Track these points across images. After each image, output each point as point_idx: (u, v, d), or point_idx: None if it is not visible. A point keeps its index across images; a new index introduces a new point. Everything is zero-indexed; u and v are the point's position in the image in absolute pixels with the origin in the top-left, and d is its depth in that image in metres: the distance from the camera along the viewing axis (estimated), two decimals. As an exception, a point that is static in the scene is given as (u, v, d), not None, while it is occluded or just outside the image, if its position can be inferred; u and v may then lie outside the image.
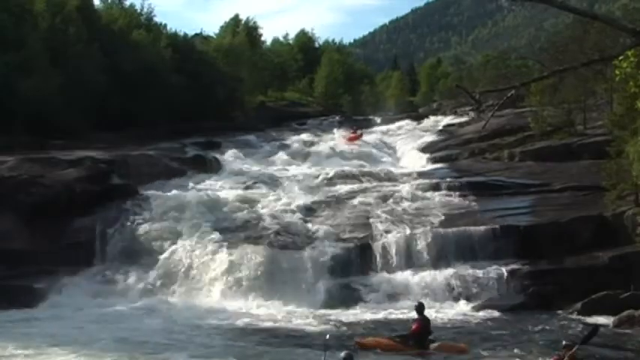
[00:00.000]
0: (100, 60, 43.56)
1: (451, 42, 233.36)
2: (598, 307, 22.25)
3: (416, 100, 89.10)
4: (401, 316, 22.47)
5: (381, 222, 27.32)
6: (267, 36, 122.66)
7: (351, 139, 47.32)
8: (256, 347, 18.43)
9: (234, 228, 27.73)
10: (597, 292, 22.65)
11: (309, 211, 28.99)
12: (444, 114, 60.39)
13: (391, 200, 29.70)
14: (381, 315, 22.71)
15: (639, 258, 23.86)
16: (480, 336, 19.84)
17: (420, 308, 17.74)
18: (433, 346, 17.57)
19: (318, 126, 55.80)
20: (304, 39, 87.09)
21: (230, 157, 40.40)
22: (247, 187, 32.48)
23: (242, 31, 72.19)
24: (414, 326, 17.43)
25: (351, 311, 23.13)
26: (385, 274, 25.22)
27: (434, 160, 39.38)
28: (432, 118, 56.71)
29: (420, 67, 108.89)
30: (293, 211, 28.85)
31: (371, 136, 49.20)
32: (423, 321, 17.48)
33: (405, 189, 30.74)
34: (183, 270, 26.02)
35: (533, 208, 28.15)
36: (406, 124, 54.80)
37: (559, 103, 39.04)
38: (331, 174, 34.54)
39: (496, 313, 22.79)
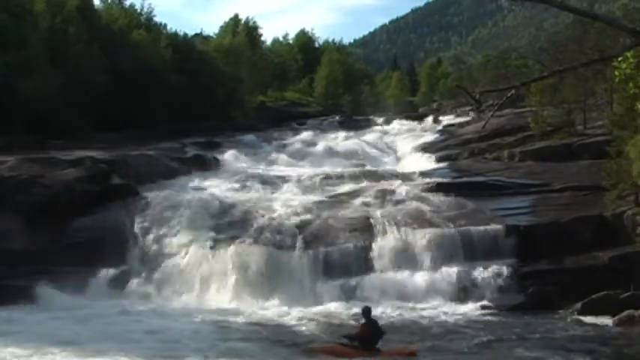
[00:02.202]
0: (100, 60, 43.62)
1: (451, 42, 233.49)
2: (598, 307, 22.23)
3: (416, 100, 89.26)
4: (401, 316, 22.50)
5: (380, 222, 27.29)
6: (267, 36, 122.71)
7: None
8: (254, 347, 18.43)
9: (234, 228, 27.70)
10: (597, 292, 22.61)
11: (308, 210, 28.96)
12: (444, 114, 60.44)
13: (391, 200, 29.67)
14: (380, 315, 22.68)
15: (639, 258, 23.84)
16: (479, 336, 19.82)
17: (366, 312, 17.34)
18: (382, 349, 17.20)
19: (318, 126, 55.82)
20: (304, 39, 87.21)
21: (230, 157, 40.44)
22: (247, 187, 32.47)
23: (242, 31, 72.27)
24: (360, 330, 17.09)
25: (351, 312, 23.10)
26: (385, 275, 25.20)
27: (434, 160, 39.37)
28: (432, 119, 56.72)
29: (420, 67, 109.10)
30: (292, 211, 28.81)
31: (370, 136, 49.19)
32: (371, 324, 17.12)
33: (404, 189, 30.71)
34: (183, 270, 26.03)
35: (533, 208, 28.13)
36: (402, 124, 54.95)
37: (559, 103, 39.04)
38: (331, 174, 34.55)
39: (496, 313, 22.77)
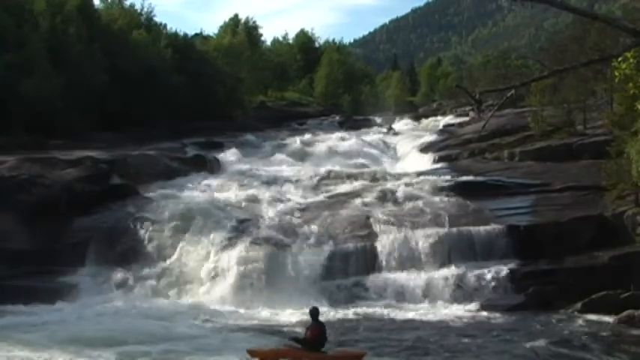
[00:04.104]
0: (100, 60, 43.59)
1: (451, 42, 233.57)
2: (598, 306, 22.25)
3: (416, 100, 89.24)
4: (401, 316, 22.50)
5: (381, 222, 27.30)
6: (268, 36, 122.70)
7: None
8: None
9: (234, 228, 27.68)
10: (597, 292, 22.65)
11: (309, 211, 28.97)
12: (444, 114, 60.46)
13: (391, 200, 29.68)
14: (381, 315, 22.71)
15: (639, 258, 23.85)
16: (479, 336, 19.83)
17: (314, 313, 16.58)
18: (330, 352, 16.53)
19: (318, 126, 55.83)
20: (304, 39, 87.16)
21: (230, 157, 40.44)
22: (247, 187, 32.46)
23: (242, 31, 72.30)
24: (309, 333, 16.34)
25: (351, 311, 23.11)
26: (385, 275, 25.20)
27: (434, 160, 39.38)
28: (432, 118, 56.80)
29: (420, 67, 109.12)
30: (293, 211, 28.83)
31: (370, 136, 49.19)
32: (319, 327, 16.42)
33: (405, 189, 30.71)
34: (183, 270, 26.02)
35: (533, 208, 28.13)
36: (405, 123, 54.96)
37: (559, 103, 39.05)
38: (331, 174, 34.56)
39: (496, 313, 22.76)
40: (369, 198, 29.94)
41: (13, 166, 29.31)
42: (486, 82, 51.46)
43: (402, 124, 54.19)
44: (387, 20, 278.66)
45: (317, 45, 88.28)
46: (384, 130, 51.96)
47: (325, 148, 44.07)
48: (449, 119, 54.76)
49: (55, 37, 42.25)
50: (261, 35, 78.40)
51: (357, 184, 32.50)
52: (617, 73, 9.55)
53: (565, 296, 23.22)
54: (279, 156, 41.87)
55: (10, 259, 25.18)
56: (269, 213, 28.73)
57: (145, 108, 44.94)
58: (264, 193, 31.23)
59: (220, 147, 42.49)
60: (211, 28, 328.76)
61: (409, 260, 25.64)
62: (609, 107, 35.03)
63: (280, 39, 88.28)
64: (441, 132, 47.94)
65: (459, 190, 30.36)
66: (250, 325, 21.31)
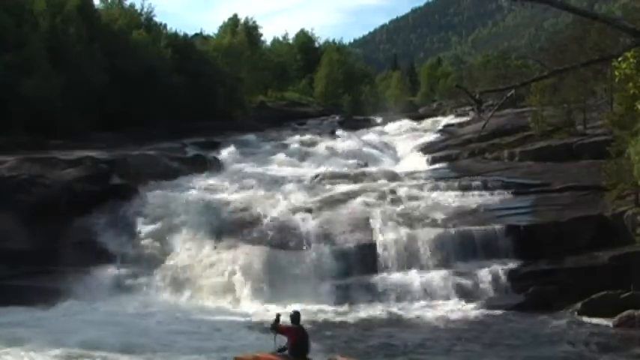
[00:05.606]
0: (100, 60, 43.58)
1: (451, 42, 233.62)
2: (598, 307, 22.25)
3: (416, 100, 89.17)
4: (401, 316, 22.50)
5: (381, 222, 27.30)
6: (268, 36, 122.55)
7: None
8: (249, 349, 18.42)
9: (235, 228, 27.71)
10: (597, 292, 22.65)
11: (309, 211, 28.96)
12: (444, 114, 60.38)
13: (391, 200, 29.67)
14: (381, 315, 22.72)
15: (639, 258, 23.86)
16: (479, 336, 19.84)
17: (295, 317, 15.76)
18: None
19: (318, 126, 55.78)
20: (304, 39, 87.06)
21: (230, 157, 40.41)
22: (247, 188, 32.46)
23: (241, 31, 72.30)
24: (288, 329, 15.58)
25: (351, 312, 23.12)
26: (385, 275, 25.22)
27: (434, 160, 39.37)
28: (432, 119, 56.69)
29: (420, 67, 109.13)
30: (293, 212, 28.82)
31: (370, 136, 49.15)
32: (300, 331, 15.63)
33: (405, 189, 30.73)
34: (183, 271, 26.02)
35: (533, 208, 28.15)
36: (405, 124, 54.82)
37: (559, 103, 39.06)
38: (331, 174, 34.54)
39: (496, 313, 22.78)
40: (369, 198, 29.93)
41: (13, 166, 29.31)
42: (486, 82, 51.49)
43: (394, 127, 53.83)
44: (387, 20, 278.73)
45: (317, 45, 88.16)
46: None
47: (325, 148, 44.02)
48: (449, 119, 54.66)
49: (55, 37, 42.23)
50: (261, 35, 78.45)
51: (357, 184, 32.48)
52: (617, 73, 9.54)
53: (565, 296, 23.23)
54: (279, 156, 41.84)
55: (10, 259, 25.20)
56: (269, 213, 28.72)
57: (145, 108, 44.92)
58: (264, 193, 31.22)
59: (220, 147, 42.46)
60: (211, 28, 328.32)
61: (409, 260, 25.66)
62: (609, 107, 35.04)
63: (280, 39, 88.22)
64: (441, 132, 47.88)
65: (459, 189, 30.31)
66: (250, 325, 21.31)
